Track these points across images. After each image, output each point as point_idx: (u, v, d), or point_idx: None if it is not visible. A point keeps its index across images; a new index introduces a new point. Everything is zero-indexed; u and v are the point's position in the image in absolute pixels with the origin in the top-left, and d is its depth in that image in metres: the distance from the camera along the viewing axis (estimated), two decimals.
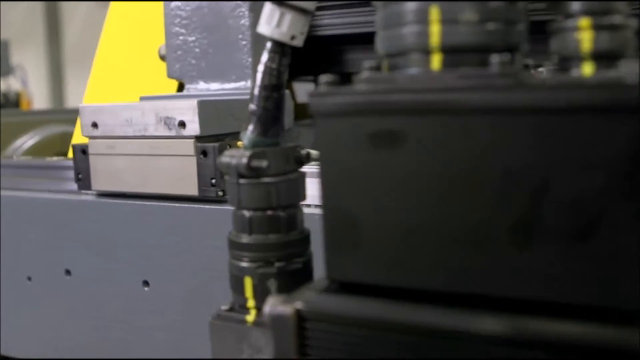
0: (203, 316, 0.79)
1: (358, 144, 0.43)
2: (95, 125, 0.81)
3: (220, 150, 0.75)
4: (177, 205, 0.80)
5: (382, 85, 0.43)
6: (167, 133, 0.76)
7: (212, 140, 0.77)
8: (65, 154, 1.52)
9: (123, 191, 0.81)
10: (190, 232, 0.80)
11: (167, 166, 0.77)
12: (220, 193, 0.75)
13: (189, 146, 0.75)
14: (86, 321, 0.90)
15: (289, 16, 0.50)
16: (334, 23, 0.97)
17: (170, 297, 0.81)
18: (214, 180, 0.74)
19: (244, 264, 0.51)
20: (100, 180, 0.82)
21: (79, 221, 0.88)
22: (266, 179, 0.50)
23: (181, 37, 0.93)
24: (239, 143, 0.79)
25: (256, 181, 0.50)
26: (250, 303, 0.51)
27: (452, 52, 0.44)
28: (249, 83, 0.89)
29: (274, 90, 0.51)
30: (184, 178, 0.76)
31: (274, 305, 0.44)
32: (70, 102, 6.16)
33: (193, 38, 0.92)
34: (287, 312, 0.43)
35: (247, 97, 0.82)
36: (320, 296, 0.44)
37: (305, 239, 0.52)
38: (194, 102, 0.73)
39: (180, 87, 1.05)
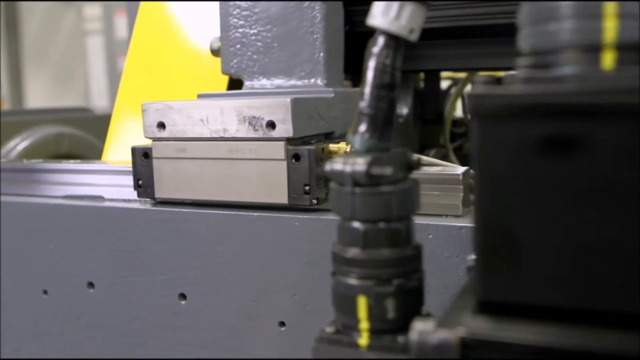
0: (250, 332, 0.74)
1: (524, 150, 0.40)
2: (161, 125, 0.73)
3: (316, 154, 0.67)
4: (221, 212, 0.76)
5: (549, 87, 0.40)
6: (251, 135, 0.68)
7: (298, 142, 0.69)
8: (61, 156, 1.42)
9: (194, 199, 0.73)
10: (236, 241, 0.76)
11: (251, 171, 0.70)
12: (315, 201, 0.67)
13: (279, 149, 0.67)
14: (112, 337, 0.85)
15: (409, 7, 0.47)
16: None
17: (211, 311, 0.77)
18: (307, 187, 0.66)
19: (357, 282, 0.46)
20: (166, 187, 0.74)
21: (104, 230, 0.83)
22: (385, 188, 0.45)
23: (240, 30, 0.86)
24: (331, 146, 0.72)
25: (375, 190, 0.45)
26: (364, 325, 0.46)
27: (625, 50, 0.41)
28: (320, 80, 0.82)
29: (389, 89, 0.46)
30: (271, 185, 0.68)
31: (429, 331, 0.39)
32: (30, 102, 5.92)
33: (255, 31, 0.85)
34: (450, 339, 0.39)
35: (327, 95, 0.75)
36: (483, 321, 0.40)
37: (419, 253, 0.49)
38: (286, 101, 0.66)
39: (232, 85, 0.96)
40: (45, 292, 0.88)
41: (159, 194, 0.78)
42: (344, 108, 0.82)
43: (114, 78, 4.68)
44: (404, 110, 1.21)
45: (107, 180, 0.86)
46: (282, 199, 0.71)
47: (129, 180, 0.84)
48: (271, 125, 0.70)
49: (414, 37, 0.47)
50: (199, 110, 0.74)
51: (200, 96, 0.85)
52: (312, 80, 0.86)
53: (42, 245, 0.87)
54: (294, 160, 0.70)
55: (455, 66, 1.16)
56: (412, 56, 1.06)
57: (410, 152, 0.48)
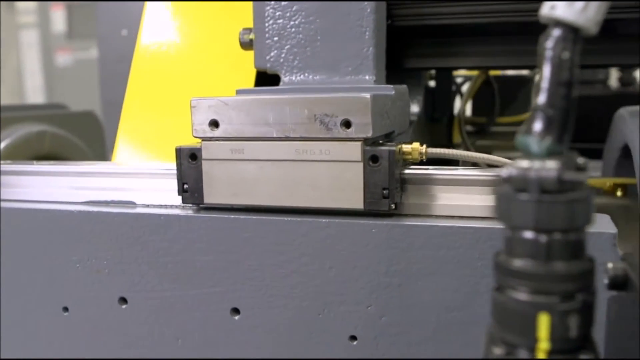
0: (314, 348, 0.69)
1: None
2: (214, 124, 0.66)
3: (397, 156, 0.62)
4: (285, 218, 0.69)
5: None
6: (322, 134, 0.62)
7: (370, 142, 0.64)
8: (42, 157, 1.30)
9: (252, 204, 0.66)
10: (302, 249, 0.69)
11: (320, 174, 0.63)
12: (393, 206, 0.62)
13: (355, 150, 0.62)
14: (149, 357, 0.77)
15: None
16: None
17: (268, 326, 0.71)
18: (386, 191, 0.61)
19: (538, 298, 0.41)
20: (218, 192, 0.67)
21: (139, 239, 0.75)
22: (572, 195, 0.41)
23: (280, 21, 0.79)
24: (404, 146, 0.67)
25: (563, 197, 0.41)
26: (543, 345, 0.41)
27: None
28: (368, 76, 0.77)
29: (568, 86, 0.42)
30: (343, 188, 0.63)
31: None
32: None
33: (295, 22, 0.78)
34: None
35: (389, 92, 0.70)
36: None
37: (594, 265, 0.44)
38: (366, 97, 0.61)
39: (260, 80, 0.89)
40: (65, 309, 0.78)
41: (210, 199, 0.70)
42: (399, 106, 0.77)
43: (50, 74, 4.42)
44: (415, 108, 1.18)
45: (137, 184, 0.77)
46: (357, 203, 0.65)
47: (163, 183, 0.76)
48: (346, 124, 0.64)
49: (595, 30, 0.42)
50: (261, 106, 0.67)
51: (240, 92, 0.78)
52: (360, 76, 0.80)
53: (61, 256, 0.77)
54: (371, 162, 0.64)
55: (469, 64, 1.13)
56: (423, 54, 1.03)
57: (577, 155, 0.44)
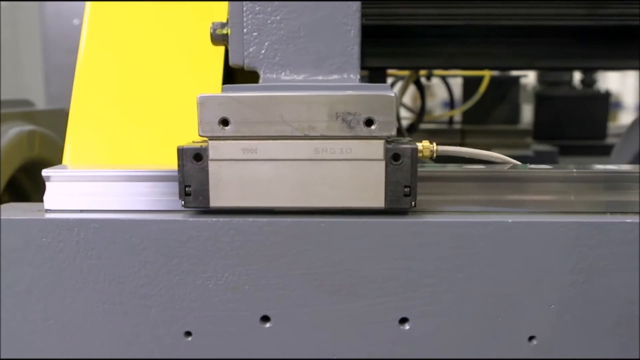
0: (491, 352, 0.68)
1: None
2: (225, 122, 0.63)
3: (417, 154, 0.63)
4: (466, 220, 0.67)
5: None
6: (344, 133, 0.61)
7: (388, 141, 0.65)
8: (32, 162, 1.13)
9: (266, 206, 0.64)
10: (485, 252, 0.67)
11: (341, 173, 0.62)
12: (413, 203, 0.63)
13: (377, 149, 0.63)
14: None
15: None
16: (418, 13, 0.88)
17: (440, 334, 0.69)
18: (407, 189, 0.62)
19: None
20: (228, 194, 0.64)
21: (292, 250, 0.68)
22: None
23: (259, 16, 0.76)
24: (417, 144, 0.68)
25: None
26: None
27: None
28: (353, 75, 0.77)
29: None
30: (364, 187, 0.62)
31: None
32: None
33: (277, 17, 0.76)
34: None
35: (391, 92, 0.71)
36: None
37: None
38: (390, 96, 0.61)
39: (227, 78, 0.85)
40: (188, 333, 0.69)
41: (216, 202, 0.66)
42: None
43: None
44: None
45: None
46: (378, 202, 0.65)
47: None
48: (369, 122, 0.63)
49: None
50: (278, 104, 0.64)
51: (227, 89, 0.74)
52: (344, 75, 0.79)
53: (188, 273, 0.68)
54: (393, 161, 0.64)
55: (401, 65, 1.16)
56: (382, 53, 1.04)
57: None
